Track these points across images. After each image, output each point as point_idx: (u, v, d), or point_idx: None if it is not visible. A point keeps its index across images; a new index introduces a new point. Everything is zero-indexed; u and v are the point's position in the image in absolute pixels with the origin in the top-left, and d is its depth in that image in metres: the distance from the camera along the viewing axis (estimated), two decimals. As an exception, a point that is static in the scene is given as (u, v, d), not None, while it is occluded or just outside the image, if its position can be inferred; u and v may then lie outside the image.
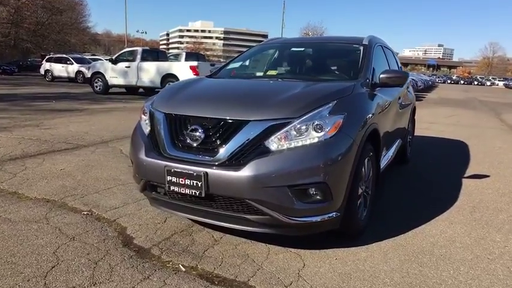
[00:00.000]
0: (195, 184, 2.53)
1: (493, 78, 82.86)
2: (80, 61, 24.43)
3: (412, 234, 3.15)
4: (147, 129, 2.99)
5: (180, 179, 2.58)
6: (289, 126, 2.50)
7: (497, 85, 72.54)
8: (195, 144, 2.63)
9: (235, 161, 2.49)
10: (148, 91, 15.72)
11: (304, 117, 2.53)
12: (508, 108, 17.70)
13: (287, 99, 2.74)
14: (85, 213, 3.38)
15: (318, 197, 2.49)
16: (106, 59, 18.12)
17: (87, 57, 29.19)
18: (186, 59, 16.03)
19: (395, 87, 3.83)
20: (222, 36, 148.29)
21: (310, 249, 2.82)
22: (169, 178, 2.62)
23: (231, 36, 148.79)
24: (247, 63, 4.23)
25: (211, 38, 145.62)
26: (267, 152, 2.47)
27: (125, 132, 7.29)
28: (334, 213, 2.60)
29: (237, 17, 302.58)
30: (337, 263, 2.65)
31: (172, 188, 2.64)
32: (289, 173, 2.42)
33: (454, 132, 9.01)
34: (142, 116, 3.19)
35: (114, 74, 15.03)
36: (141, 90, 16.32)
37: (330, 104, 2.66)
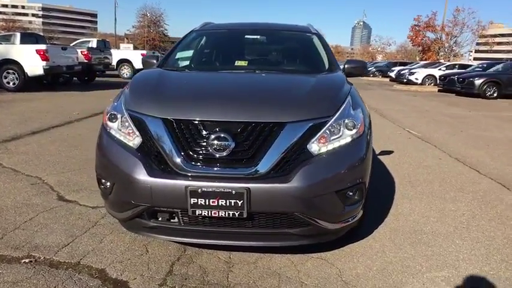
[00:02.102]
0: (233, 204, 2.08)
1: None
2: None
3: (393, 217, 3.33)
4: (132, 140, 2.31)
5: (212, 200, 2.09)
6: (327, 126, 2.28)
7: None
8: (218, 156, 2.15)
9: (280, 170, 2.15)
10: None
11: (337, 115, 2.35)
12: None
13: (314, 96, 2.50)
14: (26, 261, 2.46)
15: (356, 198, 2.38)
16: None
17: None
18: (24, 41, 13.25)
19: None
20: (40, 13, 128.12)
21: (328, 251, 2.69)
22: (193, 201, 2.09)
23: (52, 14, 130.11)
24: (195, 52, 3.67)
25: (26, 15, 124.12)
26: (310, 156, 2.21)
27: (-16, 138, 5.63)
28: (361, 211, 2.53)
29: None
30: (364, 260, 2.61)
31: (198, 211, 2.12)
32: (336, 178, 2.23)
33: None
34: (109, 123, 2.46)
35: None
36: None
37: (348, 99, 2.54)
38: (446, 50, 35.58)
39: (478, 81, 16.65)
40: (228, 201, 2.08)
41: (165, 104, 2.34)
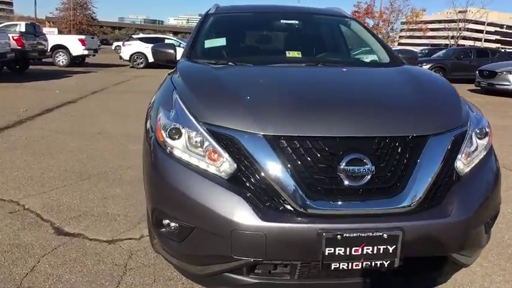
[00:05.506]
0: (382, 251, 1.53)
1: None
2: None
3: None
4: (219, 166, 1.63)
5: (354, 248, 1.51)
6: (467, 137, 1.81)
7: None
8: (353, 185, 1.57)
9: (433, 200, 1.63)
10: None
11: (471, 121, 1.89)
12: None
13: (440, 98, 2.03)
14: None
15: (491, 223, 1.94)
16: None
17: None
18: None
19: None
20: None
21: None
22: (329, 251, 1.50)
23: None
24: (229, 41, 2.94)
25: None
26: (458, 179, 1.73)
27: None
28: None
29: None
30: (479, 290, 2.20)
31: (334, 265, 1.53)
32: (488, 204, 1.78)
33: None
34: (170, 140, 1.74)
35: None
36: None
37: (462, 99, 2.09)
38: (383, 36, 37.08)
39: (426, 67, 17.34)
40: (375, 247, 1.52)
41: (266, 115, 1.68)
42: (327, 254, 1.51)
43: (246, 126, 1.64)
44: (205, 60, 2.55)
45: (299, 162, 1.58)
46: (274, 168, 1.56)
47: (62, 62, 17.42)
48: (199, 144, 1.69)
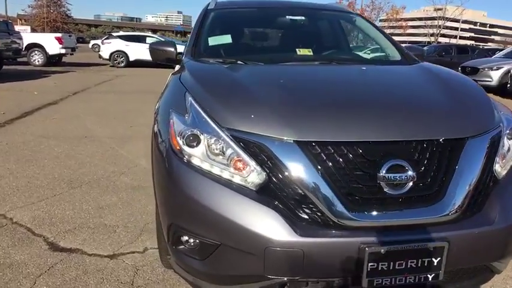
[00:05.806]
0: (427, 264, 1.42)
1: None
2: None
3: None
4: (246, 176, 1.47)
5: (398, 262, 1.39)
6: (503, 137, 1.72)
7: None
8: (393, 193, 1.44)
9: (474, 207, 1.54)
10: None
11: (503, 122, 1.80)
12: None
13: (471, 97, 1.93)
14: None
15: None
16: None
17: None
18: None
19: None
20: None
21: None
22: (372, 266, 1.38)
23: None
24: (234, 38, 2.76)
25: None
26: (497, 183, 1.63)
27: None
28: None
29: None
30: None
31: (377, 280, 1.40)
32: None
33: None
34: (187, 148, 1.57)
35: None
36: None
37: (492, 99, 2.00)
38: (364, 33, 37.48)
39: (408, 64, 17.58)
40: (420, 260, 1.41)
41: (297, 119, 1.53)
42: (369, 269, 1.38)
43: (276, 132, 1.48)
44: (210, 59, 2.38)
45: (335, 170, 1.44)
46: (308, 177, 1.42)
47: (38, 61, 16.75)
48: (218, 152, 1.53)
